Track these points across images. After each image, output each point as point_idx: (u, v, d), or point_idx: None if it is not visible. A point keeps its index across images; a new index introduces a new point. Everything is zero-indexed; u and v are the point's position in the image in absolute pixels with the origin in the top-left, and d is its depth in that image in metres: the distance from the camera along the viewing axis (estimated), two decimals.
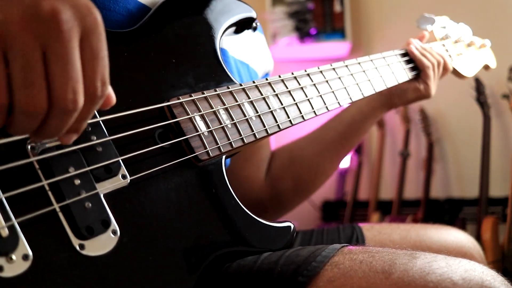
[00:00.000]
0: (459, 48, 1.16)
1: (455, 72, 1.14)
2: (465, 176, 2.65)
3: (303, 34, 2.73)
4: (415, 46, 1.04)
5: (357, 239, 0.93)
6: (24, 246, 0.45)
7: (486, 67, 1.24)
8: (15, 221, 0.45)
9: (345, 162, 2.90)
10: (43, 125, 0.41)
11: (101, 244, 0.51)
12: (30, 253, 0.46)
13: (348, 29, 2.68)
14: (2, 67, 0.38)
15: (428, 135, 2.65)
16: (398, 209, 2.61)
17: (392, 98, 1.04)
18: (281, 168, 1.05)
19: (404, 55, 1.03)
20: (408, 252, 0.58)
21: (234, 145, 0.66)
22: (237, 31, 0.81)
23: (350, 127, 1.04)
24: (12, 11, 0.37)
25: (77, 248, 0.49)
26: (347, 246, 0.63)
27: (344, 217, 2.75)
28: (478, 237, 2.16)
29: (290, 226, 0.69)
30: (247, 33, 0.83)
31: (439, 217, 2.58)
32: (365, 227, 0.97)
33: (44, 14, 0.38)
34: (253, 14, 0.80)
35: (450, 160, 2.73)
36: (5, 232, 0.44)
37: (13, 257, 0.44)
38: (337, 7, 2.72)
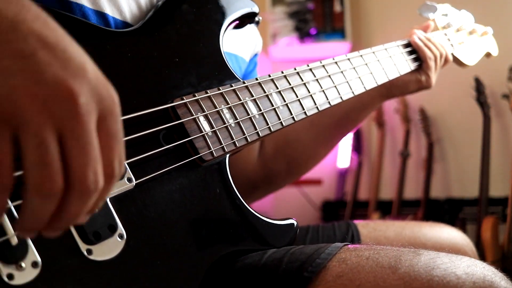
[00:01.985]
0: (461, 36, 1.14)
1: (457, 61, 1.13)
2: (465, 176, 2.65)
3: (303, 34, 2.73)
4: (419, 37, 1.02)
5: (352, 235, 0.93)
6: (34, 254, 0.45)
7: (488, 55, 1.22)
8: None
9: (345, 162, 2.90)
10: (61, 209, 0.39)
11: (108, 249, 0.50)
12: (39, 260, 0.46)
13: (348, 29, 2.68)
14: (8, 147, 0.36)
15: (428, 135, 2.65)
16: (398, 209, 2.61)
17: (393, 89, 1.03)
18: (275, 150, 1.04)
19: (406, 45, 1.01)
20: (412, 249, 0.60)
21: (237, 144, 0.66)
22: (239, 26, 0.79)
23: (348, 114, 1.04)
24: (27, 92, 0.36)
25: (85, 253, 0.49)
26: (347, 244, 0.64)
27: (344, 217, 2.75)
28: (478, 237, 2.17)
29: (293, 224, 0.70)
30: (249, 26, 0.82)
31: (439, 217, 2.57)
32: (360, 224, 0.97)
33: (61, 96, 0.37)
34: (255, 8, 0.78)
35: (450, 160, 2.73)
36: (15, 241, 0.44)
37: (23, 264, 0.44)
38: (337, 7, 2.72)
